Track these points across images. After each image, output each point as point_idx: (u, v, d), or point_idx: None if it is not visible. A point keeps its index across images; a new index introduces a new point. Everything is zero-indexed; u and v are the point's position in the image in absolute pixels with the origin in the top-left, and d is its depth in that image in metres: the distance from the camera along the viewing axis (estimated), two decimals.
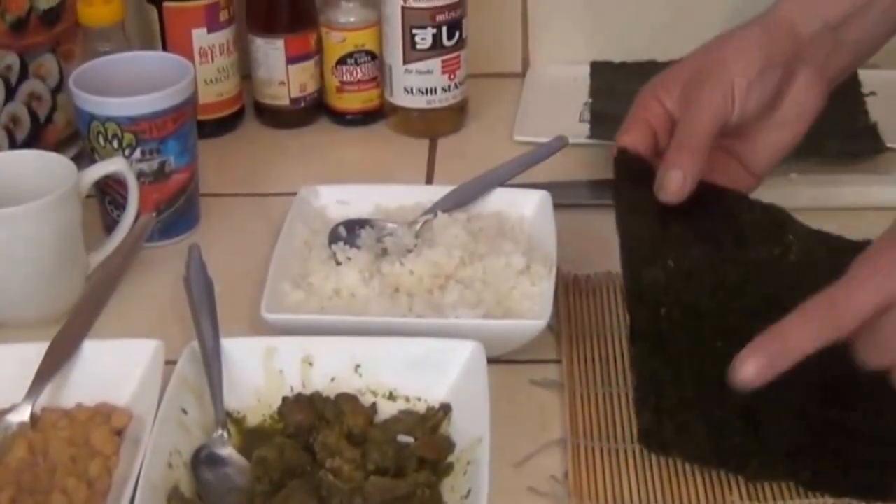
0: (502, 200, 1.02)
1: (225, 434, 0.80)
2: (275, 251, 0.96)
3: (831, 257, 0.85)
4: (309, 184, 1.05)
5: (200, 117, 1.11)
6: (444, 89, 1.19)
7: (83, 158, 1.02)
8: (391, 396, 0.84)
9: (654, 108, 0.90)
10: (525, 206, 1.02)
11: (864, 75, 1.18)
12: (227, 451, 0.80)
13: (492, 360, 0.83)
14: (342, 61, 1.21)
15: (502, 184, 1.03)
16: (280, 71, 1.21)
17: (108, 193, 1.02)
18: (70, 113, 1.09)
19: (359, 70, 1.21)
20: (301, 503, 0.75)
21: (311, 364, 0.85)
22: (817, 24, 0.89)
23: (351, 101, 1.23)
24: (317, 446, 0.80)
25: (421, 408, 0.83)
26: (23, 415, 0.82)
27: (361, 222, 1.00)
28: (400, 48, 1.18)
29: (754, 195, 0.93)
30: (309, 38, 1.21)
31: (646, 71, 1.29)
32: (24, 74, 1.10)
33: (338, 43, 1.21)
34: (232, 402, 0.83)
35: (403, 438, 0.80)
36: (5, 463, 0.79)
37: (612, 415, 0.84)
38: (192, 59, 1.14)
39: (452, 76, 1.19)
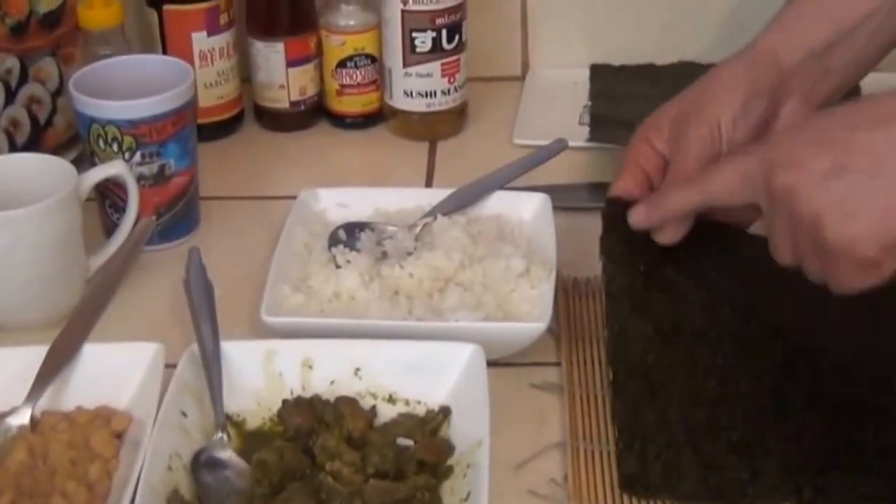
0: (502, 203, 1.02)
1: (225, 437, 0.80)
2: (275, 254, 0.96)
3: None
4: (309, 187, 1.05)
5: (200, 120, 1.11)
6: (443, 92, 1.19)
7: (83, 162, 1.02)
8: (391, 399, 0.84)
9: (646, 151, 0.91)
10: (525, 209, 1.02)
11: (864, 80, 1.18)
12: (227, 454, 0.80)
13: (491, 363, 0.83)
14: (342, 64, 1.21)
15: (502, 187, 1.03)
16: (280, 74, 1.21)
17: (108, 197, 1.02)
18: (70, 116, 1.09)
19: (358, 73, 1.22)
20: None
21: (310, 367, 0.85)
22: (801, 53, 0.90)
23: (351, 105, 1.23)
24: (316, 449, 0.80)
25: (421, 411, 0.83)
26: (23, 418, 0.82)
27: (361, 225, 1.00)
28: (400, 51, 1.18)
29: None
30: (309, 42, 1.21)
31: (645, 74, 1.30)
32: (24, 78, 1.10)
33: (337, 46, 1.21)
34: (232, 405, 0.83)
35: (403, 441, 0.80)
36: (5, 466, 0.79)
37: (612, 417, 0.84)
38: (192, 62, 1.14)
39: (452, 79, 1.19)
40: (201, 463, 0.79)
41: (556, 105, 1.25)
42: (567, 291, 0.96)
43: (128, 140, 1.00)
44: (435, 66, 1.18)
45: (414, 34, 1.17)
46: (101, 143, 1.00)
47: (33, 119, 1.11)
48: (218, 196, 1.12)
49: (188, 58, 1.14)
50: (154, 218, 1.02)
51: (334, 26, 1.20)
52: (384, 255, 0.97)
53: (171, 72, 1.04)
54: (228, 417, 0.82)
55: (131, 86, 1.02)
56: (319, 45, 1.22)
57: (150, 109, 1.00)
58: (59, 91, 1.13)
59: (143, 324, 0.95)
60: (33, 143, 1.11)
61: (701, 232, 0.87)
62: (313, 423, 0.82)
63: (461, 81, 1.20)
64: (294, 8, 1.20)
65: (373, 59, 1.21)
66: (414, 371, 0.84)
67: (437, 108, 1.20)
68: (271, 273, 0.94)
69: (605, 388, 0.86)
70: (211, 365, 0.83)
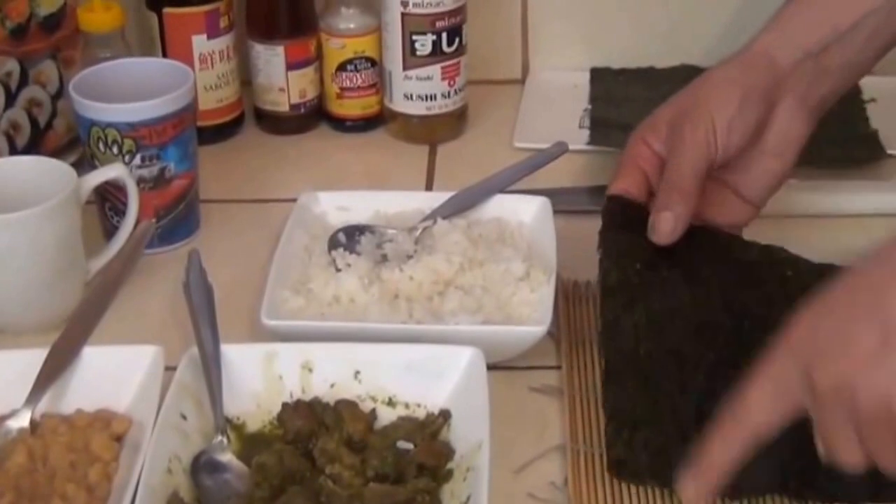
0: (502, 207, 1.02)
1: (224, 440, 0.80)
2: (274, 257, 0.96)
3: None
4: (309, 190, 1.05)
5: (200, 123, 1.11)
6: (443, 95, 1.20)
7: (83, 164, 1.02)
8: (391, 402, 0.84)
9: (643, 152, 0.91)
10: (525, 212, 1.02)
11: (865, 82, 1.18)
12: (227, 457, 0.80)
13: (491, 367, 0.83)
14: (342, 67, 1.21)
15: (502, 190, 1.03)
16: (280, 77, 1.21)
17: (108, 199, 1.02)
18: (70, 119, 1.09)
19: (358, 76, 1.22)
20: None
21: (310, 370, 0.85)
22: (797, 54, 0.90)
23: (351, 108, 1.23)
24: (316, 452, 0.80)
25: (420, 414, 0.83)
26: (22, 421, 0.82)
27: (361, 228, 1.00)
28: (400, 54, 1.18)
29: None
30: (309, 45, 1.21)
31: (645, 77, 1.30)
32: (24, 80, 1.10)
33: (337, 49, 1.21)
34: (231, 408, 0.83)
35: (403, 444, 0.80)
36: (5, 469, 0.79)
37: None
38: (192, 65, 1.14)
39: (452, 82, 1.19)
40: (201, 466, 0.79)
41: (556, 108, 1.25)
42: (567, 295, 0.96)
43: (128, 143, 1.00)
44: (435, 70, 1.18)
45: (414, 37, 1.17)
46: (101, 146, 1.00)
47: (33, 122, 1.11)
48: (218, 199, 1.12)
49: (188, 61, 1.14)
50: (154, 221, 1.02)
51: (334, 29, 1.21)
52: (384, 258, 0.97)
53: (172, 75, 1.04)
54: (228, 420, 0.82)
55: (131, 89, 1.02)
56: (319, 48, 1.22)
57: (150, 112, 1.00)
58: (60, 94, 1.13)
59: (143, 327, 0.95)
60: (33, 146, 1.11)
61: (697, 235, 0.88)
62: (313, 426, 0.82)
63: (461, 84, 1.20)
64: (294, 11, 1.20)
65: (373, 63, 1.21)
66: (414, 374, 0.84)
67: (437, 111, 1.20)
68: (271, 276, 0.94)
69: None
70: (211, 368, 0.83)
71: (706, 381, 0.81)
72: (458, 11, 1.17)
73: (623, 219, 0.88)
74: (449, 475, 0.78)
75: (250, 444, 0.82)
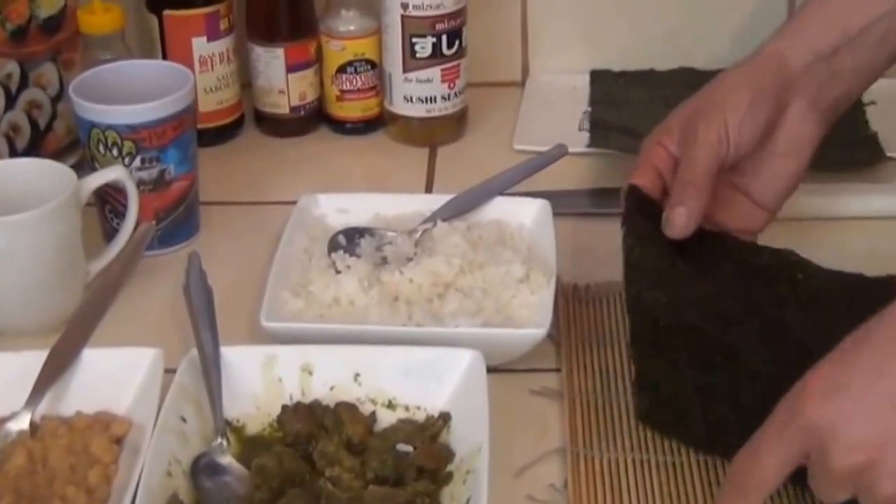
0: (502, 209, 1.02)
1: (224, 442, 0.80)
2: (274, 259, 0.96)
3: (848, 292, 0.87)
4: (308, 192, 1.05)
5: (200, 126, 1.11)
6: (443, 98, 1.20)
7: (83, 167, 1.02)
8: (390, 405, 0.84)
9: (659, 152, 0.91)
10: (525, 214, 1.02)
11: (875, 86, 1.18)
12: (227, 460, 0.80)
13: (491, 369, 0.83)
14: (342, 70, 1.21)
15: (502, 192, 1.03)
16: (280, 79, 1.21)
17: (108, 202, 1.02)
18: (70, 121, 1.09)
19: (358, 79, 1.22)
20: None
21: (310, 372, 0.85)
22: (808, 57, 0.90)
23: (350, 110, 1.23)
24: (316, 455, 0.80)
25: (420, 416, 0.83)
26: (22, 423, 0.82)
27: (361, 231, 1.00)
28: (400, 57, 1.18)
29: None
30: (309, 47, 1.21)
31: (645, 79, 1.30)
32: (24, 83, 1.10)
33: (337, 51, 1.21)
34: (231, 410, 0.83)
35: (403, 447, 0.80)
36: (4, 471, 0.78)
37: (612, 424, 0.84)
38: (192, 67, 1.14)
39: (452, 85, 1.19)
40: (201, 468, 0.79)
41: (556, 110, 1.26)
42: (567, 297, 0.96)
43: (128, 145, 1.00)
44: (435, 72, 1.18)
45: (414, 39, 1.17)
46: (101, 148, 1.00)
47: (33, 124, 1.11)
48: (218, 201, 1.12)
49: (188, 63, 1.14)
50: (154, 223, 1.02)
51: (334, 32, 1.21)
52: (384, 260, 0.97)
53: (171, 77, 1.04)
54: (228, 423, 0.82)
55: (131, 91, 1.02)
56: (319, 50, 1.22)
57: (150, 114, 1.00)
58: (60, 96, 1.13)
59: (143, 329, 0.95)
60: (33, 148, 1.11)
61: (709, 238, 0.90)
62: (313, 428, 0.82)
63: (461, 87, 1.20)
64: (294, 13, 1.20)
65: (373, 65, 1.21)
66: (413, 377, 0.84)
67: (437, 113, 1.20)
68: (271, 278, 0.94)
69: (604, 393, 0.87)
70: (210, 370, 0.83)
71: (723, 362, 0.82)
72: (459, 14, 1.17)
73: (644, 207, 0.90)
74: (449, 478, 0.78)
75: (250, 446, 0.82)
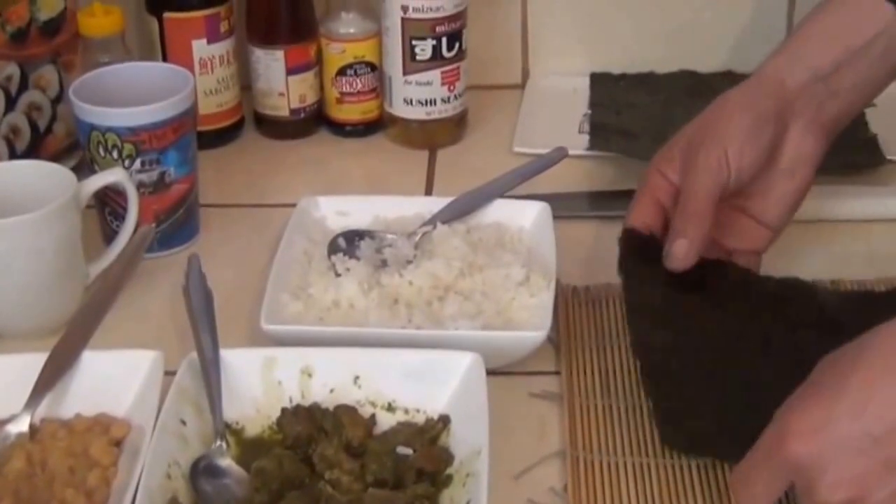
0: (502, 212, 1.02)
1: (224, 445, 0.80)
2: (274, 262, 0.96)
3: (859, 311, 0.86)
4: (308, 195, 1.05)
5: (200, 128, 1.11)
6: (443, 100, 1.20)
7: (83, 169, 1.02)
8: (390, 408, 0.84)
9: (659, 182, 0.91)
10: (524, 217, 1.02)
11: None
12: (226, 462, 0.80)
13: (491, 372, 0.83)
14: (342, 72, 1.21)
15: (502, 195, 1.03)
16: (280, 82, 1.21)
17: (108, 204, 1.02)
18: (70, 123, 1.09)
19: (358, 81, 1.22)
20: None
21: (310, 375, 0.85)
22: (806, 76, 0.90)
23: (350, 112, 1.23)
24: (316, 458, 0.80)
25: (420, 419, 0.83)
26: (21, 425, 0.82)
27: (361, 233, 1.00)
28: (400, 59, 1.18)
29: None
30: (309, 50, 1.21)
31: (645, 82, 1.30)
32: (24, 85, 1.10)
33: (337, 54, 1.21)
34: (231, 412, 0.83)
35: (402, 450, 0.80)
36: (4, 474, 0.78)
37: (612, 427, 0.84)
38: (192, 69, 1.14)
39: (452, 87, 1.19)
40: (200, 471, 0.79)
41: (555, 113, 1.26)
42: (567, 300, 0.96)
43: (128, 147, 1.00)
44: (435, 75, 1.18)
45: (414, 42, 1.17)
46: (101, 151, 1.00)
47: (33, 126, 1.11)
48: (218, 203, 1.12)
49: (188, 65, 1.14)
50: (154, 225, 1.02)
51: (334, 34, 1.21)
52: (384, 263, 0.97)
53: (172, 79, 1.04)
54: (227, 425, 0.82)
55: (131, 93, 1.02)
56: (319, 52, 1.22)
57: (150, 117, 1.00)
58: (60, 98, 1.13)
59: (143, 331, 0.95)
60: (33, 151, 1.11)
61: (713, 267, 0.90)
62: (312, 431, 0.82)
63: (461, 89, 1.20)
64: (294, 16, 1.20)
65: (373, 67, 1.21)
66: (413, 379, 0.84)
67: (436, 116, 1.20)
68: (271, 281, 0.94)
69: (604, 396, 0.86)
70: (210, 373, 0.83)
71: (740, 393, 0.82)
72: (459, 16, 1.17)
73: (640, 249, 0.90)
74: (448, 481, 0.78)
75: (249, 449, 0.82)
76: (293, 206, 1.04)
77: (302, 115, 1.23)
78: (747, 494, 0.70)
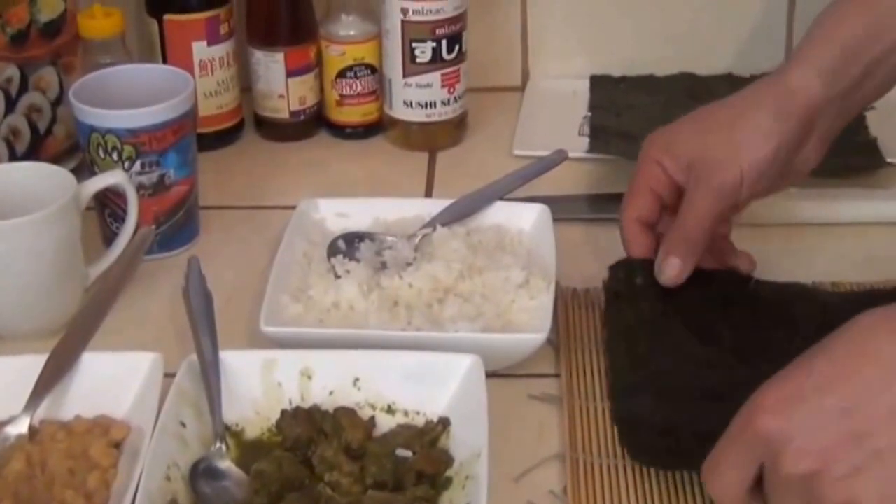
0: (501, 214, 1.02)
1: (223, 447, 0.80)
2: (274, 264, 0.96)
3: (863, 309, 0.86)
4: (308, 197, 1.05)
5: (200, 130, 1.11)
6: (443, 103, 1.20)
7: (83, 171, 1.02)
8: (390, 410, 0.84)
9: (658, 174, 0.91)
10: (524, 219, 1.02)
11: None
12: (226, 465, 0.80)
13: (490, 374, 0.83)
14: (342, 74, 1.21)
15: (501, 197, 1.03)
16: (280, 84, 1.21)
17: (108, 206, 1.02)
18: (70, 125, 1.09)
19: (358, 83, 1.22)
20: None
21: (309, 377, 0.85)
22: (829, 92, 0.88)
23: (350, 115, 1.23)
24: (315, 460, 0.80)
25: (419, 421, 0.83)
26: (21, 427, 0.82)
27: (360, 235, 1.00)
28: (400, 62, 1.18)
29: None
30: (309, 52, 1.21)
31: (645, 85, 1.30)
32: (24, 87, 1.10)
33: (337, 56, 1.21)
34: (230, 414, 0.83)
35: (402, 452, 0.80)
36: (3, 475, 0.78)
37: (612, 429, 0.84)
38: (192, 71, 1.14)
39: (452, 90, 1.19)
40: (199, 473, 0.79)
41: (555, 116, 1.26)
42: (566, 302, 0.96)
43: (128, 149, 1.00)
44: (435, 77, 1.18)
45: (414, 44, 1.17)
46: (101, 152, 1.00)
47: (33, 128, 1.11)
48: (217, 205, 1.12)
49: (188, 67, 1.14)
50: (153, 227, 1.02)
51: (334, 36, 1.21)
52: (383, 265, 0.97)
53: (172, 81, 1.04)
54: (227, 427, 0.82)
55: (131, 95, 1.02)
56: (319, 55, 1.22)
57: (150, 119, 1.00)
58: (60, 100, 1.13)
59: (142, 333, 0.95)
60: (33, 152, 1.11)
61: (703, 280, 0.90)
62: (312, 433, 0.82)
63: (461, 92, 1.20)
64: (294, 18, 1.21)
65: (372, 70, 1.21)
66: (413, 381, 0.84)
67: (436, 118, 1.20)
68: (270, 283, 0.94)
69: (604, 399, 0.86)
70: (210, 374, 0.83)
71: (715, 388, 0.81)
72: (458, 19, 1.17)
73: (626, 287, 0.91)
74: (448, 483, 0.78)
75: (249, 451, 0.82)
76: (293, 208, 1.04)
77: (302, 117, 1.23)
78: (718, 478, 0.70)
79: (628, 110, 1.25)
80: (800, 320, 0.87)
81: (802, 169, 0.92)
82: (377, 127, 1.24)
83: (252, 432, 0.84)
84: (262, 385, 0.84)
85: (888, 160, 1.13)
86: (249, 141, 1.25)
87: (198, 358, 0.84)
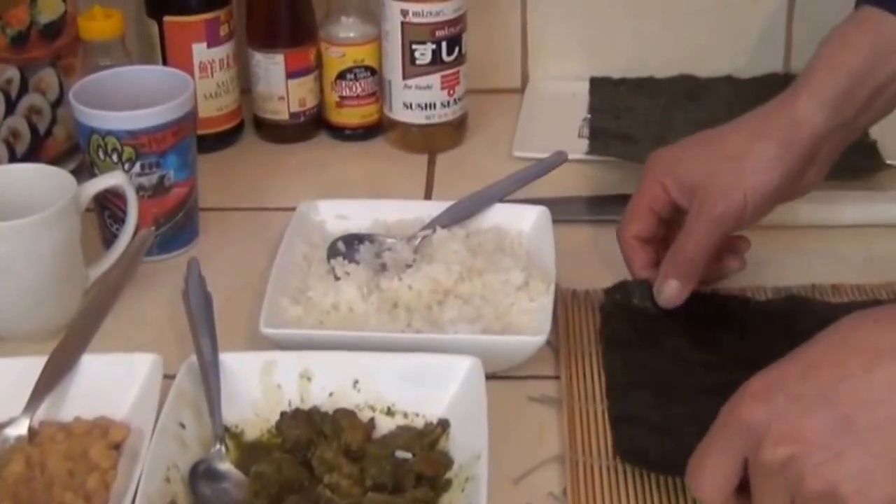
0: (501, 216, 1.02)
1: (223, 449, 0.80)
2: (273, 266, 0.96)
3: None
4: (308, 198, 1.05)
5: (200, 132, 1.11)
6: (443, 104, 1.20)
7: (83, 172, 1.02)
8: (389, 412, 0.84)
9: (659, 195, 0.91)
10: (524, 221, 1.02)
11: None
12: (225, 466, 0.80)
13: (490, 376, 0.83)
14: (341, 76, 1.21)
15: (501, 199, 1.03)
16: (279, 86, 1.21)
17: (108, 207, 1.02)
18: (70, 127, 1.09)
19: (358, 85, 1.22)
20: None
21: (309, 379, 0.85)
22: (834, 122, 0.89)
23: (350, 116, 1.23)
24: (315, 461, 0.80)
25: (419, 423, 0.83)
26: (21, 428, 0.82)
27: (360, 237, 1.00)
28: (399, 63, 1.18)
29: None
30: (308, 53, 1.21)
31: (645, 87, 1.30)
32: (24, 88, 1.10)
33: (337, 58, 1.21)
34: (230, 416, 0.83)
35: (402, 454, 0.80)
36: (3, 477, 0.78)
37: (612, 431, 0.84)
38: (192, 73, 1.14)
39: (452, 91, 1.19)
40: (199, 474, 0.79)
41: (555, 118, 1.26)
42: (566, 304, 0.96)
43: (127, 151, 1.00)
44: (435, 79, 1.18)
45: (414, 46, 1.17)
46: (101, 154, 1.00)
47: (33, 129, 1.11)
48: (217, 207, 1.12)
49: (188, 69, 1.14)
50: (153, 229, 1.02)
51: (334, 38, 1.21)
52: (383, 267, 0.97)
53: (171, 83, 1.04)
54: (227, 429, 0.82)
55: (131, 96, 1.02)
56: (319, 56, 1.22)
57: (150, 120, 1.00)
58: (60, 101, 1.13)
59: (142, 334, 0.95)
60: (33, 154, 1.11)
61: (700, 302, 0.91)
62: (312, 435, 0.82)
63: (461, 94, 1.20)
64: (294, 20, 1.21)
65: (372, 71, 1.21)
66: (412, 383, 0.84)
67: (436, 120, 1.20)
68: (270, 284, 0.94)
69: (604, 401, 0.86)
70: (209, 376, 0.83)
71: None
72: (458, 21, 1.17)
73: (623, 309, 0.92)
74: (447, 485, 0.78)
75: (249, 452, 0.82)
76: (293, 209, 1.04)
77: (301, 118, 1.23)
78: (704, 470, 0.70)
79: (628, 112, 1.25)
80: (800, 334, 0.87)
81: (804, 189, 0.93)
82: (377, 129, 1.24)
83: (252, 434, 0.84)
84: (261, 386, 0.84)
85: (888, 162, 1.13)
86: (249, 143, 1.25)
87: (197, 359, 0.84)
